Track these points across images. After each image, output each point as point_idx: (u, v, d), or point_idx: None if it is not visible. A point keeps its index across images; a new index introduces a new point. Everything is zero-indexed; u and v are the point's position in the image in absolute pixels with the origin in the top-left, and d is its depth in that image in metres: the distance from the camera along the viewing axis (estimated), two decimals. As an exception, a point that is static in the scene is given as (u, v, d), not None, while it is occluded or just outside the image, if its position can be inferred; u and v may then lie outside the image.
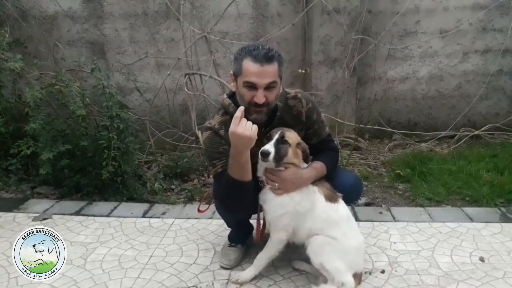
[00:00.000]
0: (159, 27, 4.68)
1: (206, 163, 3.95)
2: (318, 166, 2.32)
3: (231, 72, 2.27)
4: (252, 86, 2.14)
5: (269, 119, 2.31)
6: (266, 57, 2.11)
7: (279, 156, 2.15)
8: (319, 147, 2.45)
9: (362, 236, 2.41)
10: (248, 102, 2.18)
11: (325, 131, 2.50)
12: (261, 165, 2.28)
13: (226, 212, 2.57)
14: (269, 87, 2.15)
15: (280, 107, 2.34)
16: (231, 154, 2.12)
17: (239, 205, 2.30)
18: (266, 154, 2.09)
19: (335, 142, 2.61)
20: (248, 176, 2.17)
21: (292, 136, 2.22)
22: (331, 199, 2.28)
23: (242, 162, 2.11)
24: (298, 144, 2.25)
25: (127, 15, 4.66)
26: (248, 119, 2.18)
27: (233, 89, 2.30)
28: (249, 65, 2.12)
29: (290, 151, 2.20)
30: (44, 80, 3.80)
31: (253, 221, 2.70)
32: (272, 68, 2.14)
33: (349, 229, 2.29)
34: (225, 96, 2.40)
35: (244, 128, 2.02)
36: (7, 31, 3.91)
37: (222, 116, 2.34)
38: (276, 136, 2.16)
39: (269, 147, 2.11)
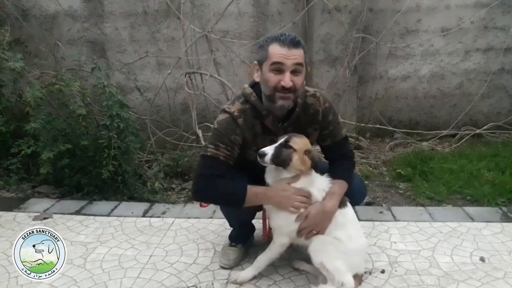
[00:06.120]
0: (159, 26, 4.68)
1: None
2: (336, 190, 2.25)
3: (255, 61, 2.24)
4: (279, 69, 2.11)
5: (286, 115, 2.28)
6: (293, 42, 2.11)
7: (279, 160, 2.11)
8: (333, 150, 2.43)
9: (365, 238, 2.41)
10: (274, 87, 2.14)
11: (341, 133, 2.44)
12: (270, 172, 2.24)
13: (225, 209, 2.55)
14: (295, 70, 2.13)
15: (299, 103, 2.29)
16: (262, 196, 2.22)
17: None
18: (261, 155, 2.08)
19: (350, 146, 2.58)
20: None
21: (299, 142, 2.15)
22: (341, 204, 2.25)
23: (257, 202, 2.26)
24: (307, 151, 2.16)
25: (128, 14, 4.65)
26: (272, 107, 2.19)
27: (257, 79, 2.24)
28: (276, 49, 2.11)
29: (296, 157, 2.13)
30: (45, 79, 3.79)
31: (254, 221, 2.71)
32: (298, 52, 2.13)
33: (354, 231, 2.28)
34: (246, 85, 2.33)
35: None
36: (8, 30, 3.92)
37: (242, 104, 2.27)
38: (280, 141, 2.14)
39: (268, 149, 2.09)
